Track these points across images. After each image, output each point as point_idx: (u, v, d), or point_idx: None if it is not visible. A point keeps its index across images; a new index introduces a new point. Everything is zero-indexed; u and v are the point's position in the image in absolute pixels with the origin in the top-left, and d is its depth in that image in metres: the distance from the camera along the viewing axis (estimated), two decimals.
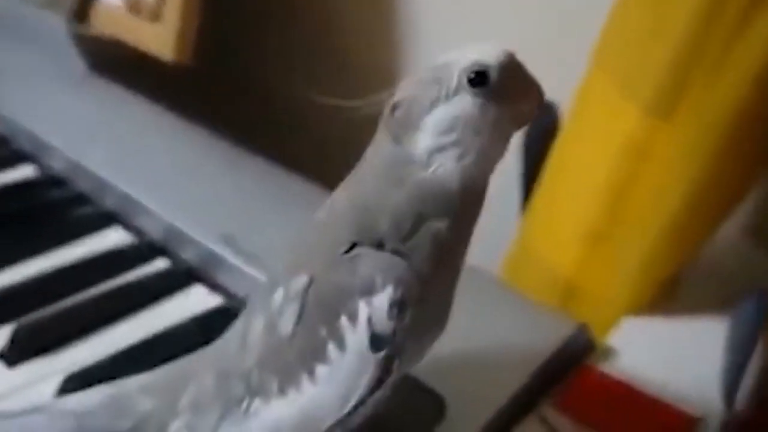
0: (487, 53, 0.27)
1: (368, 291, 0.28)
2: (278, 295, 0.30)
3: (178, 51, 0.64)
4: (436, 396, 0.39)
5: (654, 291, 0.48)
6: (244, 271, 0.46)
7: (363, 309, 0.28)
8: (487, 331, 0.43)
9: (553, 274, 0.52)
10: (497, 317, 0.44)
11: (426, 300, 0.28)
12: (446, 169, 0.28)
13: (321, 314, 0.28)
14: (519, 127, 0.29)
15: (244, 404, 0.30)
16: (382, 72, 0.74)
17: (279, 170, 0.56)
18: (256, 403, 0.29)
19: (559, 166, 0.53)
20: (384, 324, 0.27)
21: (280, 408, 0.29)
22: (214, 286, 0.48)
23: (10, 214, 0.54)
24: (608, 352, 0.44)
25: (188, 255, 0.50)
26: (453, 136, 0.27)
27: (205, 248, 0.48)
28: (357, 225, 0.28)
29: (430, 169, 0.28)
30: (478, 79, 0.27)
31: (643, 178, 0.46)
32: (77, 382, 0.40)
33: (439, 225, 0.28)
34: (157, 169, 0.56)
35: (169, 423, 0.32)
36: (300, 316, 0.29)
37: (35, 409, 0.35)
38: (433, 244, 0.28)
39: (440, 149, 0.28)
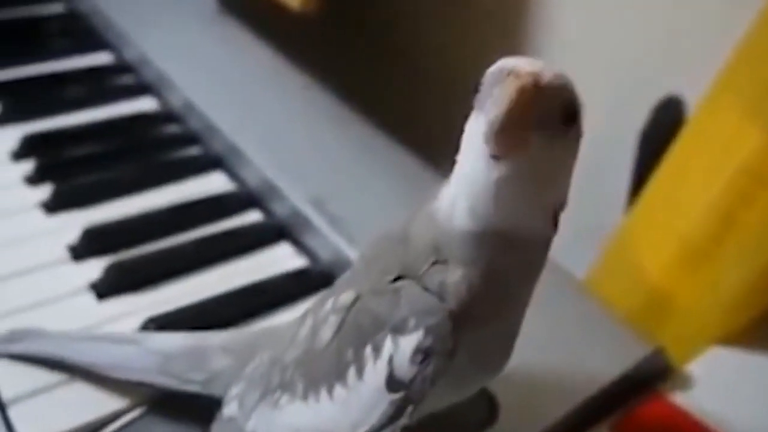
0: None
1: (399, 329, 0.27)
2: (329, 303, 0.30)
3: None
4: (490, 398, 0.38)
5: (749, 324, 0.45)
6: (329, 236, 0.47)
7: (388, 346, 0.27)
8: (558, 340, 0.41)
9: (647, 284, 0.49)
10: (571, 326, 0.43)
11: (463, 351, 0.27)
12: (459, 209, 0.26)
13: (354, 336, 0.28)
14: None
15: (276, 395, 0.31)
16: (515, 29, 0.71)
17: (386, 138, 0.56)
18: (285, 398, 0.30)
19: (673, 173, 0.50)
20: (405, 368, 0.27)
21: (301, 412, 0.29)
22: (301, 247, 0.49)
23: (124, 146, 0.57)
24: (685, 381, 0.42)
25: (280, 211, 0.51)
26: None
27: (295, 207, 0.49)
28: (405, 256, 0.28)
29: (449, 212, 0.27)
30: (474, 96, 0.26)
31: (757, 203, 0.43)
32: (158, 324, 0.42)
33: (461, 272, 0.27)
34: (267, 120, 0.57)
35: (232, 385, 0.34)
36: (338, 331, 0.29)
37: (130, 340, 0.38)
38: (461, 293, 0.27)
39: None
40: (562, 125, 0.25)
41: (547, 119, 0.25)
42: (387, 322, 0.27)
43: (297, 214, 0.49)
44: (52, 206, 0.50)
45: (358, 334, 0.28)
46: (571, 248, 0.60)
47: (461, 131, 0.27)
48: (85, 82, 0.64)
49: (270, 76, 0.62)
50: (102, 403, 0.38)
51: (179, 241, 0.49)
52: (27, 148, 0.55)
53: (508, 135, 0.24)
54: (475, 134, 0.25)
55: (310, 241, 0.49)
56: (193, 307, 0.44)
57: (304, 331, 0.31)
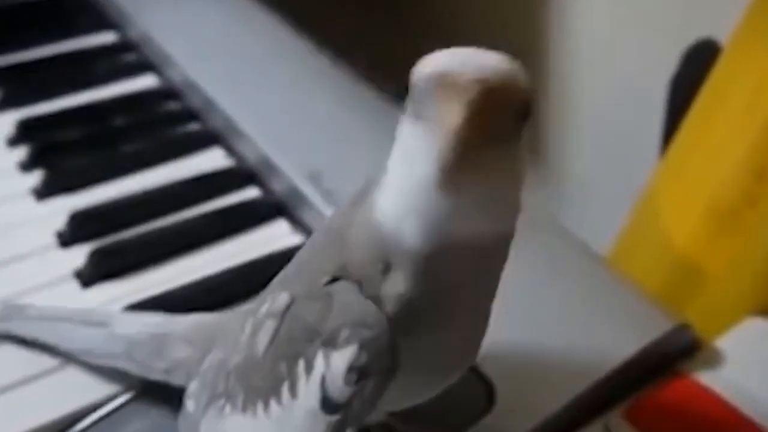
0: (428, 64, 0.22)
1: (331, 342, 0.24)
2: (264, 306, 0.27)
3: None
4: (485, 382, 0.35)
5: None
6: (326, 212, 0.44)
7: (319, 363, 0.24)
8: (569, 316, 0.38)
9: (675, 251, 0.45)
10: (584, 300, 0.39)
11: (408, 364, 0.24)
12: (409, 228, 0.23)
13: (287, 347, 0.25)
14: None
15: (221, 402, 0.28)
16: None
17: (391, 109, 0.52)
18: (228, 408, 0.27)
19: (701, 122, 0.45)
20: (339, 389, 0.23)
21: (240, 425, 0.27)
22: (298, 224, 0.47)
23: (122, 126, 0.55)
24: (714, 358, 0.38)
25: (277, 188, 0.48)
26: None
27: (292, 183, 0.46)
28: (341, 256, 0.25)
29: (396, 227, 0.23)
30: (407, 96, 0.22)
31: None
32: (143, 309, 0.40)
33: (408, 280, 0.23)
34: (266, 93, 0.54)
35: (191, 378, 0.32)
36: (272, 340, 0.26)
37: (100, 322, 0.36)
38: (405, 300, 0.23)
39: None
40: (516, 126, 0.22)
41: (501, 126, 0.21)
42: (317, 332, 0.24)
43: (294, 191, 0.46)
44: (44, 192, 0.48)
45: (291, 346, 0.25)
46: (601, 214, 0.56)
47: None
48: (87, 63, 0.62)
49: (271, 47, 0.59)
50: (89, 388, 0.36)
51: (173, 220, 0.47)
52: (23, 133, 0.54)
53: (464, 163, 0.20)
54: (417, 148, 0.22)
55: (307, 216, 0.46)
56: (185, 289, 0.42)
57: (245, 333, 0.28)
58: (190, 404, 0.30)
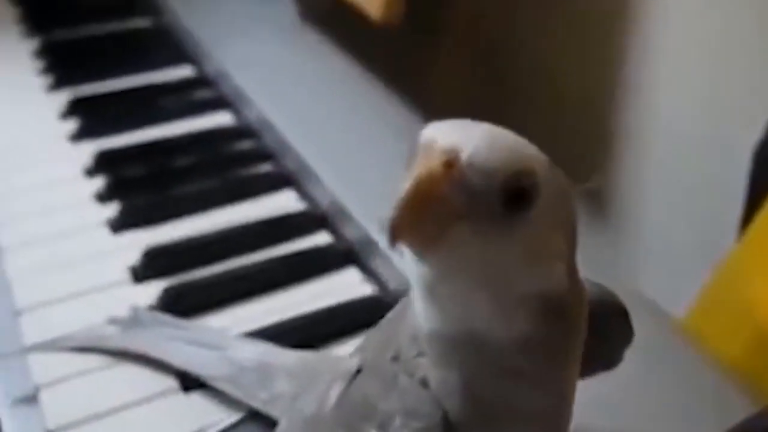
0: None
1: (384, 427, 0.23)
2: (342, 364, 0.27)
3: (386, 10, 0.60)
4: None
5: None
6: (399, 264, 0.44)
7: None
8: (646, 392, 0.36)
9: (758, 322, 0.43)
10: (663, 375, 0.37)
11: None
12: (416, 306, 0.23)
13: (348, 414, 0.25)
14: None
15: None
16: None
17: None
18: None
19: None
20: None
21: None
22: (369, 273, 0.46)
23: (196, 162, 0.56)
24: None
25: (349, 234, 0.48)
26: None
27: (364, 230, 0.46)
28: (398, 334, 0.25)
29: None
30: None
31: None
32: None
33: (440, 372, 0.23)
34: (342, 137, 0.54)
35: (285, 414, 0.32)
36: (338, 402, 0.26)
37: (214, 344, 0.38)
38: (450, 395, 0.23)
39: None
40: (505, 210, 0.20)
41: (479, 204, 0.20)
42: (374, 411, 0.24)
43: (366, 239, 0.46)
44: (118, 225, 0.49)
45: (351, 414, 0.25)
46: (679, 279, 0.54)
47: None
48: (164, 97, 0.63)
49: (347, 88, 0.59)
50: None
51: (243, 262, 0.47)
52: (100, 165, 0.54)
53: (408, 228, 0.20)
54: None
55: (380, 267, 0.45)
56: (253, 335, 0.42)
57: (325, 385, 0.28)
58: None
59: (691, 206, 0.49)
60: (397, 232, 0.20)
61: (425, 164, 0.20)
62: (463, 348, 0.22)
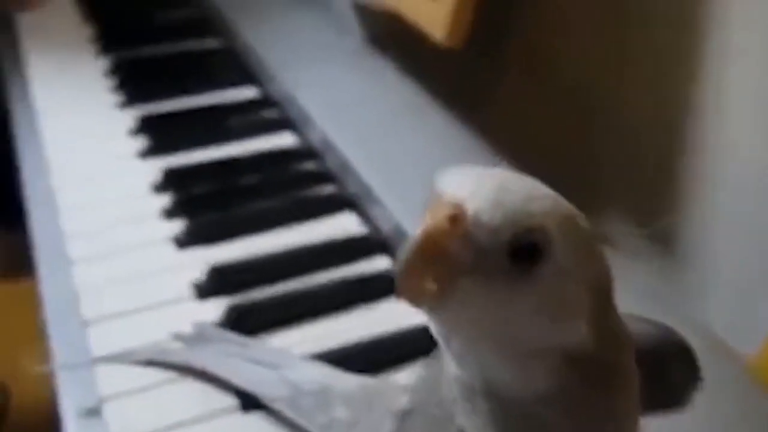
0: None
1: None
2: (396, 398, 0.27)
3: (451, 33, 0.61)
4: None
5: None
6: None
7: None
8: None
9: None
10: (723, 415, 0.36)
11: None
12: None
13: None
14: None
15: None
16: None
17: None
18: None
19: None
20: None
21: None
22: None
23: (260, 182, 0.57)
24: None
25: None
26: None
27: None
28: (442, 375, 0.24)
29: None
30: None
31: None
32: None
33: (478, 421, 0.22)
34: (404, 160, 0.54)
35: None
36: None
37: (272, 364, 0.38)
38: None
39: None
40: (514, 265, 0.20)
41: (486, 260, 0.20)
42: None
43: None
44: (183, 241, 0.50)
45: None
46: (750, 318, 0.53)
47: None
48: (231, 117, 0.64)
49: (411, 112, 0.59)
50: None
51: (304, 284, 0.47)
52: (167, 181, 0.56)
53: (413, 283, 0.20)
54: None
55: None
56: (313, 357, 0.42)
57: (377, 416, 0.28)
58: None
59: (763, 244, 0.48)
60: (401, 286, 0.20)
61: (432, 217, 0.20)
62: (487, 397, 0.22)
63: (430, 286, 0.20)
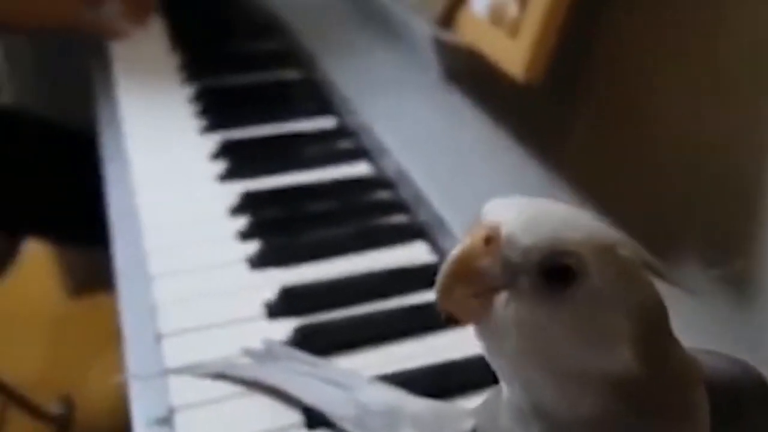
0: None
1: None
2: (462, 422, 0.28)
3: (529, 70, 0.61)
4: None
5: None
6: None
7: None
8: None
9: None
10: None
11: None
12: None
13: None
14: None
15: None
16: None
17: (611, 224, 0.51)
18: None
19: None
20: None
21: None
22: None
23: (335, 209, 0.58)
24: None
25: None
26: None
27: None
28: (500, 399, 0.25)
29: None
30: None
31: None
32: None
33: None
34: (476, 192, 0.54)
35: None
36: None
37: (343, 384, 0.39)
38: None
39: None
40: (546, 284, 0.21)
41: (518, 278, 0.21)
42: None
43: None
44: (257, 262, 0.51)
45: None
46: None
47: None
48: (308, 145, 0.66)
49: (487, 148, 0.60)
50: None
51: (372, 309, 0.47)
52: (244, 205, 0.57)
53: (450, 298, 0.22)
54: None
55: None
56: (382, 379, 0.42)
57: None
58: None
59: None
60: (440, 301, 0.22)
61: (470, 238, 0.21)
62: (536, 420, 0.23)
63: (469, 302, 0.22)
